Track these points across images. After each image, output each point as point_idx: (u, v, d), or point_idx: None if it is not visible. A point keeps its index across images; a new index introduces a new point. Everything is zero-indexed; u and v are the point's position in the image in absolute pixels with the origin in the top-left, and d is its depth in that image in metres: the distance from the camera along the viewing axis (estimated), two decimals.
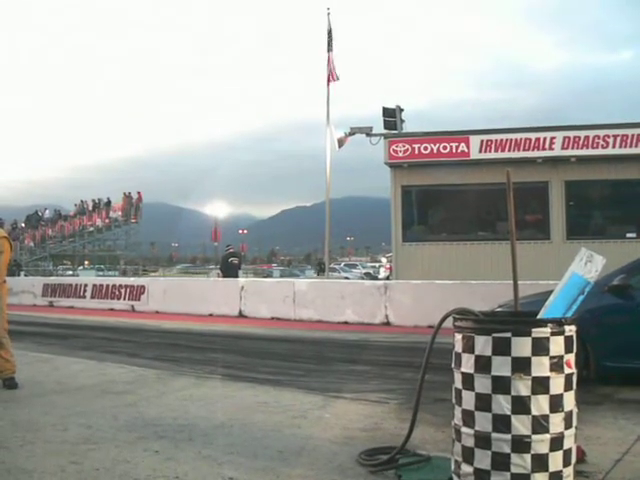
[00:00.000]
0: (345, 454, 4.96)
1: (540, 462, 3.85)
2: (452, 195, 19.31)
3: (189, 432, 5.65)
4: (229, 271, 22.14)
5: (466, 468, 4.02)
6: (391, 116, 20.32)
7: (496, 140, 18.48)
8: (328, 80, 26.29)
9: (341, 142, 21.06)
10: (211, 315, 17.66)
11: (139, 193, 55.09)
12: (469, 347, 4.00)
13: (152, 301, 19.91)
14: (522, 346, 3.85)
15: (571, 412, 4.00)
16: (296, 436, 5.56)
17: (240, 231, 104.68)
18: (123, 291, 20.80)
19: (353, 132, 20.44)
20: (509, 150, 18.37)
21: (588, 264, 4.32)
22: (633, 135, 17.95)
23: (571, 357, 4.01)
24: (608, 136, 18.15)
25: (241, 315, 17.56)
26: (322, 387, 7.74)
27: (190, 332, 14.17)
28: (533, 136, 18.51)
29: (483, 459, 3.92)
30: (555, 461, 3.89)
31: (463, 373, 4.04)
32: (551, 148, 18.37)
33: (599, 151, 18.12)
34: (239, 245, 67.73)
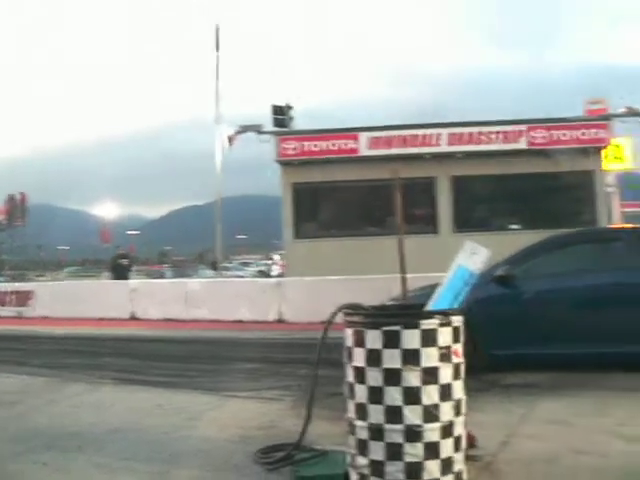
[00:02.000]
0: (241, 453, 4.95)
1: (432, 450, 3.96)
2: (342, 192, 19.51)
3: (80, 440, 5.50)
4: (119, 273, 21.69)
5: (361, 460, 4.08)
6: (280, 114, 20.34)
7: (384, 137, 18.79)
8: (217, 77, 26.15)
9: (231, 140, 20.93)
10: (102, 319, 17.18)
11: (22, 194, 53.22)
12: (360, 341, 4.06)
13: (40, 306, 19.17)
14: (411, 338, 3.94)
15: (460, 400, 4.13)
16: (192, 437, 5.52)
17: (130, 232, 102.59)
18: (9, 297, 20.02)
19: (243, 130, 20.34)
20: (397, 146, 18.72)
21: (473, 256, 4.46)
22: (514, 131, 18.61)
23: (459, 347, 4.14)
24: (491, 132, 18.75)
25: (133, 317, 17.20)
26: (217, 387, 7.70)
27: (81, 337, 13.77)
28: (420, 133, 18.90)
29: (377, 450, 4.00)
30: (446, 448, 4.01)
31: (355, 367, 4.10)
32: (437, 144, 18.82)
33: (483, 147, 18.68)
34: (129, 246, 66.45)
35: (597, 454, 4.66)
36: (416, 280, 7.13)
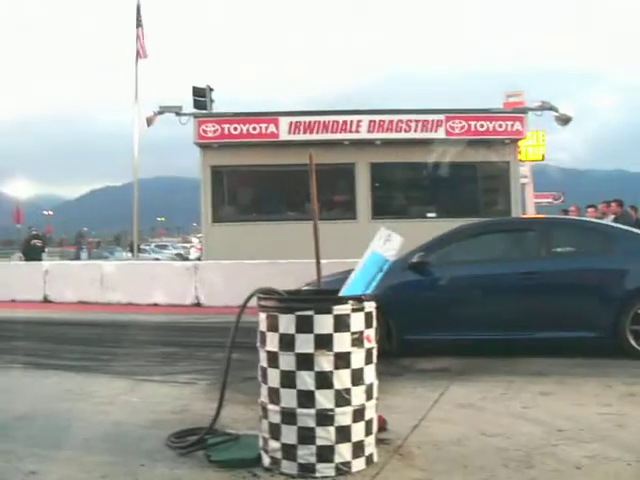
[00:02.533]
0: (154, 438, 4.90)
1: (343, 433, 4.02)
2: (262, 176, 19.40)
3: None
4: (32, 254, 21.13)
5: (273, 444, 4.11)
6: (201, 96, 20.05)
7: (305, 122, 18.72)
8: (137, 57, 25.63)
9: (150, 121, 20.52)
10: (13, 301, 16.68)
11: None
12: (273, 326, 4.08)
13: None
14: (324, 323, 3.98)
15: (372, 384, 4.20)
16: (103, 423, 5.43)
17: (45, 212, 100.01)
18: None
19: (162, 111, 19.96)
20: (317, 132, 18.71)
21: (387, 243, 4.51)
22: (433, 121, 18.81)
23: (371, 332, 4.19)
24: (410, 121, 18.89)
25: (46, 300, 16.75)
26: (130, 371, 7.60)
27: None
28: (340, 119, 18.92)
29: (289, 434, 4.04)
30: (357, 431, 4.08)
31: (268, 351, 4.12)
32: (357, 131, 18.87)
33: (402, 135, 18.83)
34: (44, 227, 64.79)
35: (503, 436, 4.80)
36: (333, 266, 7.20)
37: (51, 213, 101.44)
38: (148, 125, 20.47)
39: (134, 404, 6.09)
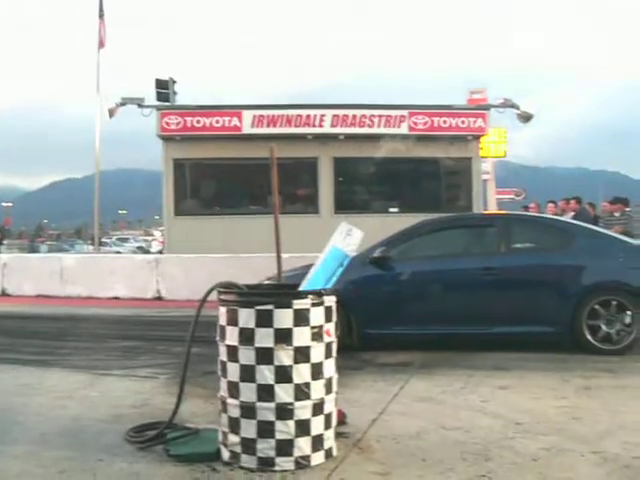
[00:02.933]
0: (113, 432, 4.87)
1: (303, 427, 4.03)
2: (225, 169, 19.31)
3: None
4: None
5: (233, 438, 4.11)
6: (164, 88, 19.90)
7: (268, 116, 18.67)
8: (99, 47, 25.30)
9: (112, 112, 20.30)
10: None
11: None
12: (233, 320, 4.08)
13: None
14: (284, 318, 3.99)
15: (331, 378, 4.21)
16: (61, 417, 5.37)
17: (4, 204, 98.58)
18: None
19: (124, 102, 19.75)
20: (281, 126, 18.69)
21: (347, 238, 4.53)
22: (396, 116, 18.88)
23: (331, 326, 4.21)
24: (374, 116, 18.96)
25: (4, 294, 16.53)
26: (90, 365, 7.53)
27: None
28: (304, 113, 18.91)
29: (249, 428, 4.04)
30: (317, 425, 4.09)
31: (228, 346, 4.11)
32: (321, 125, 18.88)
33: (366, 130, 18.87)
34: (3, 219, 63.86)
35: (462, 429, 4.84)
36: (295, 260, 7.22)
37: (10, 205, 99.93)
38: (110, 117, 20.25)
39: (94, 398, 6.03)
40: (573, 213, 14.06)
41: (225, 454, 4.17)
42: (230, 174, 19.45)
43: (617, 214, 13.98)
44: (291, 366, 3.99)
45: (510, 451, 4.35)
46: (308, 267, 4.72)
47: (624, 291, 7.85)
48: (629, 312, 7.74)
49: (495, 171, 29.59)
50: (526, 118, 19.57)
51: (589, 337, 7.76)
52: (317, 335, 4.08)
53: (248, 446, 4.05)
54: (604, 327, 7.76)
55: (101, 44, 24.82)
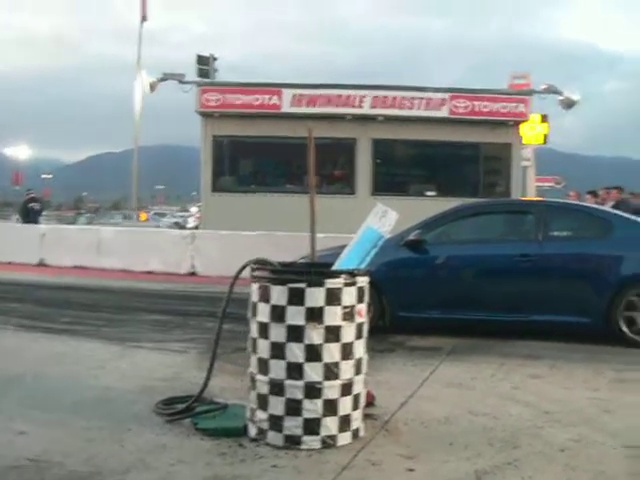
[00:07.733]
0: (143, 404, 4.92)
1: (331, 407, 4.03)
2: (263, 147, 19.29)
3: None
4: (29, 217, 21.11)
5: (261, 414, 4.12)
6: (205, 64, 19.97)
7: (308, 95, 18.66)
8: (141, 20, 25.43)
9: (153, 87, 20.41)
10: (10, 263, 16.67)
11: None
12: (265, 297, 4.07)
13: None
14: (316, 296, 3.98)
15: (361, 359, 4.20)
16: (93, 387, 5.45)
17: (44, 175, 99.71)
18: None
19: (165, 78, 19.84)
20: (320, 105, 18.61)
21: (382, 219, 4.50)
22: (437, 99, 18.73)
23: (362, 307, 4.19)
24: (414, 98, 18.80)
25: (42, 264, 16.76)
26: (122, 337, 7.62)
27: None
28: (344, 93, 18.82)
29: (277, 405, 4.05)
30: (345, 405, 4.09)
31: (259, 322, 4.12)
32: (360, 106, 18.78)
33: (405, 112, 18.74)
34: (44, 190, 64.58)
35: (491, 416, 4.81)
36: (330, 240, 7.19)
37: (50, 176, 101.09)
38: (151, 91, 20.33)
39: (125, 370, 6.10)
40: (614, 203, 13.82)
41: (252, 430, 4.19)
42: (268, 152, 19.43)
43: None
44: (321, 345, 3.98)
45: (538, 440, 4.30)
46: (342, 247, 4.70)
47: None
48: None
49: (535, 158, 29.22)
50: (569, 105, 19.28)
51: (625, 329, 7.63)
52: (348, 315, 4.06)
53: (275, 423, 4.06)
54: None
55: (144, 18, 24.94)
